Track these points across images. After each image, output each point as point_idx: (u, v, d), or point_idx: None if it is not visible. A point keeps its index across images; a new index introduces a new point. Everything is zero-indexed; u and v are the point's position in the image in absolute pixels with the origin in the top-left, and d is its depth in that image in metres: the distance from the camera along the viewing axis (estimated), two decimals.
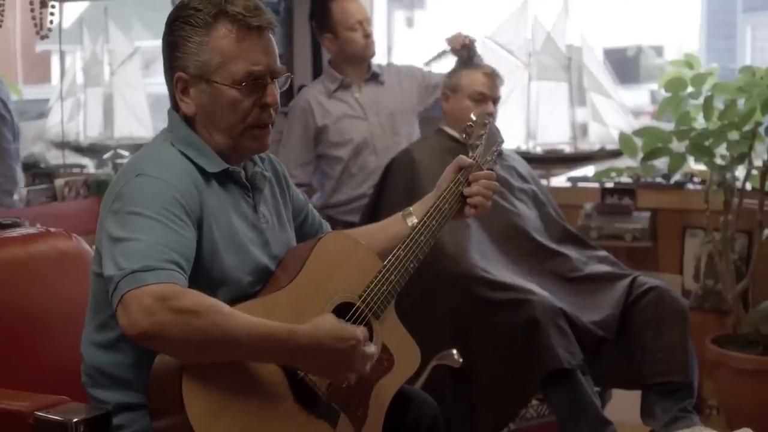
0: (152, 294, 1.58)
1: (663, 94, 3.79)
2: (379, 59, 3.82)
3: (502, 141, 2.28)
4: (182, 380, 1.63)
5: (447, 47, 3.61)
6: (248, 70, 1.80)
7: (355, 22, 3.56)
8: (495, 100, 3.36)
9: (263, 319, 1.67)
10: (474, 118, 2.23)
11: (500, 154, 2.25)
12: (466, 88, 3.33)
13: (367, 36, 3.59)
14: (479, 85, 3.33)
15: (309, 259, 1.89)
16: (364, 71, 3.67)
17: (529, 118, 4.64)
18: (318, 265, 1.90)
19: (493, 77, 3.37)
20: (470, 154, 2.17)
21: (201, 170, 1.83)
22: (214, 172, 1.84)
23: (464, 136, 2.22)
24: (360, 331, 1.76)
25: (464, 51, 3.57)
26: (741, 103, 3.49)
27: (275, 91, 1.85)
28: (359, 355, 1.75)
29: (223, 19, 1.80)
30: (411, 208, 2.15)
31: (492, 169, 2.20)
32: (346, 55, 3.62)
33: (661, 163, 3.92)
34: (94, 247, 1.86)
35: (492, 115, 3.25)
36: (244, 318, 1.65)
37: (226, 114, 1.82)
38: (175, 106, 1.89)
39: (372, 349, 1.79)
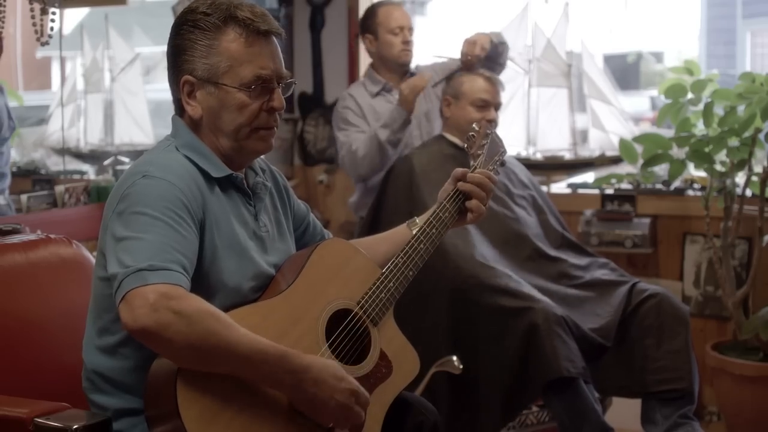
0: (157, 291, 1.59)
1: (663, 100, 3.79)
2: None
3: (505, 151, 2.26)
4: (177, 386, 1.63)
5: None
6: (257, 73, 1.83)
7: (396, 26, 3.64)
8: (497, 107, 3.35)
9: (263, 338, 1.67)
10: (477, 127, 2.22)
11: (503, 164, 2.23)
12: (468, 94, 3.33)
13: (406, 42, 3.66)
14: (481, 91, 3.33)
15: (307, 265, 1.90)
16: (401, 75, 3.70)
17: (529, 125, 4.64)
18: (316, 272, 1.90)
19: (494, 83, 3.37)
20: (472, 163, 2.17)
21: (205, 175, 1.84)
22: (217, 178, 1.85)
23: (466, 146, 2.21)
24: (359, 388, 1.75)
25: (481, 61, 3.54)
26: (741, 109, 3.49)
27: (281, 95, 1.87)
28: (348, 407, 1.74)
29: (232, 23, 1.82)
30: (416, 218, 2.15)
31: None
32: (383, 59, 3.69)
33: (661, 169, 3.93)
34: (95, 253, 1.86)
35: (494, 122, 3.25)
36: (244, 332, 1.65)
37: (234, 116, 1.84)
38: (179, 112, 1.90)
39: (361, 415, 1.76)
